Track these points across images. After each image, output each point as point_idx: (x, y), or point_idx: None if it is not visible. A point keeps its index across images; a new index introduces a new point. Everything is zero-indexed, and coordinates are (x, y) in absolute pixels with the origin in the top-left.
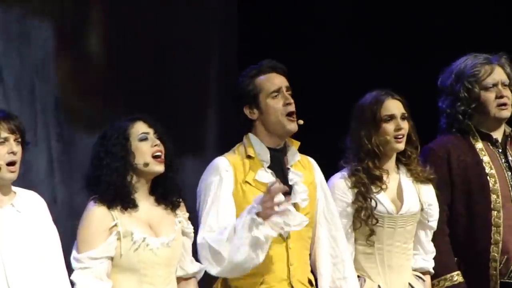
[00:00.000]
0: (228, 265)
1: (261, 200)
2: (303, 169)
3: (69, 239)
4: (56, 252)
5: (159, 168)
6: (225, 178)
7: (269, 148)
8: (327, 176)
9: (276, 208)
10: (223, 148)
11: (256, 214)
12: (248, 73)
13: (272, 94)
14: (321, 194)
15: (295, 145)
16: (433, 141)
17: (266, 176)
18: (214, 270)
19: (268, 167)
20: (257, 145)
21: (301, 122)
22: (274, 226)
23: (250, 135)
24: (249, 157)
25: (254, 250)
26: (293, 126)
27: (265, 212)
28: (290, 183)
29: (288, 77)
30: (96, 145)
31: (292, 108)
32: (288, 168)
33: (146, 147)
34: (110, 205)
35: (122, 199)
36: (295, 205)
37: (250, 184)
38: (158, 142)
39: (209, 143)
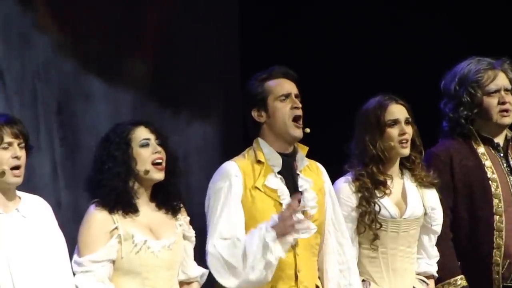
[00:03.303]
0: (243, 282)
1: (280, 217)
2: (312, 174)
3: (74, 243)
4: (62, 257)
5: (159, 175)
6: (235, 183)
7: (278, 153)
8: (332, 181)
9: (296, 225)
10: (227, 149)
11: (272, 231)
12: (258, 76)
13: (281, 98)
14: (329, 201)
15: (303, 150)
16: (436, 145)
17: (276, 181)
18: (229, 283)
19: (278, 173)
20: (266, 150)
21: (307, 130)
22: (285, 245)
23: (259, 139)
24: (259, 162)
25: (266, 270)
26: (298, 133)
27: (284, 229)
28: (300, 189)
29: (298, 85)
30: (98, 147)
31: (299, 112)
32: (298, 174)
33: (147, 154)
34: (111, 209)
35: (124, 204)
36: (304, 212)
37: (259, 189)
38: (159, 149)
39: (214, 144)
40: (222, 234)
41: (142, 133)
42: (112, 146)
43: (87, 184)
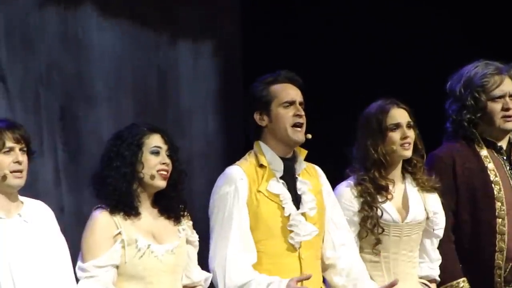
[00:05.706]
0: None
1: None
2: (310, 177)
3: (77, 248)
4: (65, 262)
5: (162, 183)
6: (240, 187)
7: (280, 158)
8: (333, 185)
9: None
10: (230, 153)
11: None
12: (264, 79)
13: (284, 104)
14: (328, 201)
15: (302, 153)
16: (439, 148)
17: (278, 186)
18: None
19: (280, 177)
20: (268, 154)
21: (309, 136)
22: None
23: (261, 143)
24: (261, 166)
25: None
26: (299, 136)
27: None
28: (298, 192)
29: (303, 91)
30: (110, 142)
31: (301, 120)
32: (296, 177)
33: (155, 161)
34: (113, 210)
35: (125, 205)
36: (304, 214)
37: (263, 194)
38: (168, 161)
39: (215, 148)
40: (235, 245)
41: (156, 141)
42: (123, 145)
43: (92, 179)
